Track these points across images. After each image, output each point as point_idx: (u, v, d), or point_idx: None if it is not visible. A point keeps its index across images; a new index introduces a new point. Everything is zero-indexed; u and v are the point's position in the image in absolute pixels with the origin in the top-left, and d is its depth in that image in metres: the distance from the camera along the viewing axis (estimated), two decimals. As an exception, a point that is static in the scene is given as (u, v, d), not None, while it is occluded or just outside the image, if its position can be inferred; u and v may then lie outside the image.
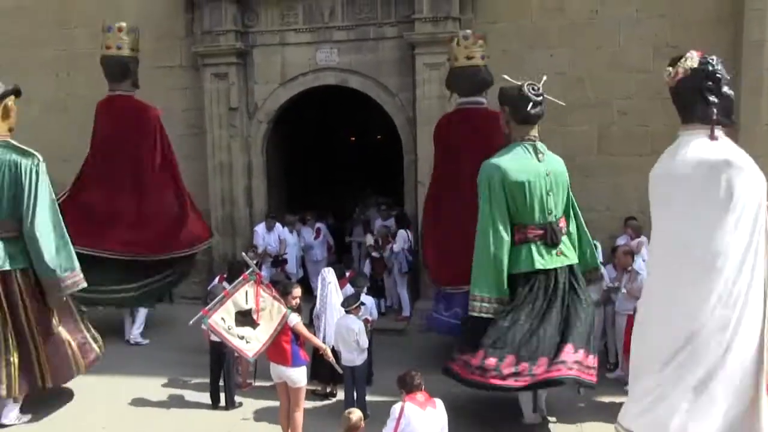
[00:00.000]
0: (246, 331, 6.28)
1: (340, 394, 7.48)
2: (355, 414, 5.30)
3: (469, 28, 9.75)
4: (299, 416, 6.45)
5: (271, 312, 6.37)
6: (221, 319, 6.27)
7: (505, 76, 6.79)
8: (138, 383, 8.19)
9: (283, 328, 6.31)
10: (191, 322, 6.72)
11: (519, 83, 6.76)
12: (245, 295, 6.37)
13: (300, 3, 10.62)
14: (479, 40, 8.73)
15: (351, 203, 14.04)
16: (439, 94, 10.03)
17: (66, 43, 11.74)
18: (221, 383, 7.66)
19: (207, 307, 6.47)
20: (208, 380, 7.74)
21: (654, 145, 9.41)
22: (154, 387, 8.11)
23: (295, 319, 6.38)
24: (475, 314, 6.66)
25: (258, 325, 6.30)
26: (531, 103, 6.68)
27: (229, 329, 6.25)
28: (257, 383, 8.07)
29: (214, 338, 7.47)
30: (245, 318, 6.31)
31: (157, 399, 7.84)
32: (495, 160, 6.74)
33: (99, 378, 8.21)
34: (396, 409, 5.22)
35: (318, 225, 11.74)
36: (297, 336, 6.38)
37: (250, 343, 6.26)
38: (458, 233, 8.06)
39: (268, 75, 10.96)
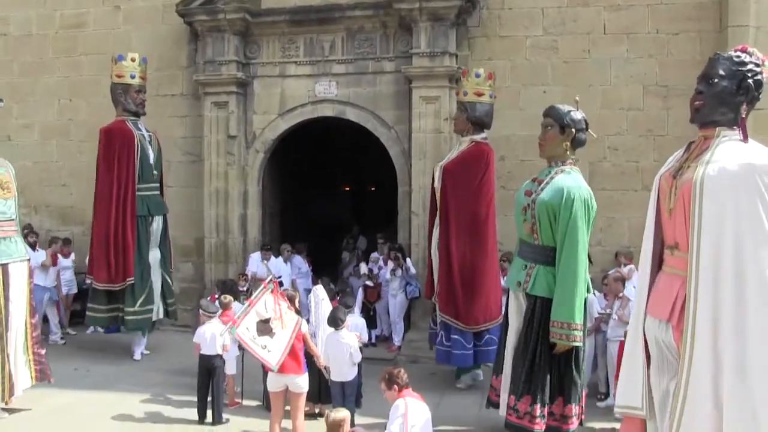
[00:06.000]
0: (266, 340, 6.20)
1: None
2: (339, 413, 5.26)
3: (465, 65, 10.05)
4: (302, 423, 6.41)
5: (284, 320, 6.34)
6: (246, 329, 6.20)
7: (577, 98, 6.83)
8: (122, 399, 8.07)
9: (297, 336, 6.32)
10: (221, 333, 6.93)
11: (578, 109, 6.73)
12: (264, 304, 6.34)
13: (301, 36, 10.92)
14: (489, 79, 8.90)
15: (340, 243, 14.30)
16: (434, 128, 10.24)
17: (70, 70, 12.00)
18: (209, 399, 7.49)
19: (236, 317, 6.42)
20: (194, 398, 7.58)
21: (645, 181, 9.61)
22: (139, 404, 7.98)
23: (306, 326, 6.40)
24: (576, 343, 6.40)
25: (274, 333, 6.24)
26: (587, 131, 6.79)
27: (254, 339, 6.17)
28: (244, 402, 8.01)
29: (204, 352, 7.47)
30: (264, 327, 6.25)
31: (141, 415, 7.66)
32: (582, 184, 6.54)
33: (84, 394, 8.22)
34: (400, 405, 5.22)
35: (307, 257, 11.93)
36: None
37: (271, 352, 6.16)
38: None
39: (267, 105, 11.17)
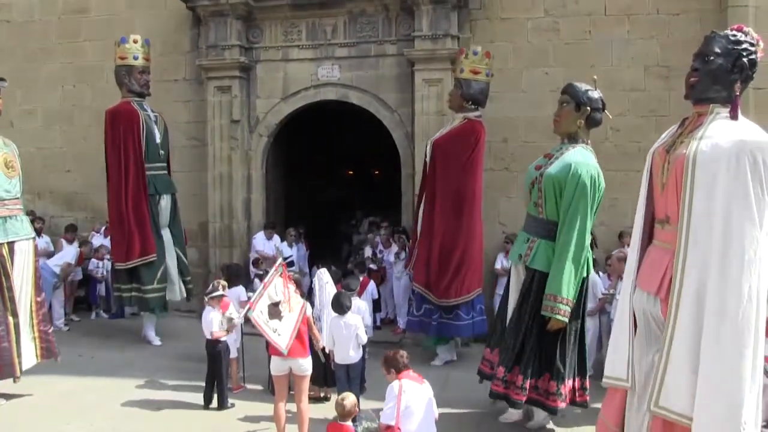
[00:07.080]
0: (275, 323, 6.23)
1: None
2: (349, 399, 5.35)
3: (467, 47, 10.04)
4: (306, 405, 6.46)
5: (291, 304, 6.39)
6: (261, 312, 6.20)
7: (594, 77, 6.86)
8: (127, 385, 8.08)
9: (303, 319, 6.40)
10: (240, 316, 7.09)
11: (596, 88, 6.77)
12: (275, 287, 6.38)
13: (303, 20, 10.91)
14: (486, 58, 8.95)
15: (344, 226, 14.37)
16: (436, 110, 10.25)
17: (73, 56, 12.02)
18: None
19: (251, 300, 6.47)
20: (199, 384, 7.62)
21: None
22: (144, 390, 8.02)
23: (310, 310, 6.47)
24: (560, 317, 6.39)
25: (282, 317, 6.28)
26: (603, 111, 6.81)
27: (267, 323, 6.18)
28: (248, 386, 8.06)
29: (209, 337, 7.53)
30: (274, 310, 6.28)
31: (147, 401, 7.67)
32: (591, 162, 6.55)
33: (89, 380, 8.29)
34: (395, 386, 5.22)
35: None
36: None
37: (281, 335, 6.19)
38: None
39: (270, 89, 11.19)
